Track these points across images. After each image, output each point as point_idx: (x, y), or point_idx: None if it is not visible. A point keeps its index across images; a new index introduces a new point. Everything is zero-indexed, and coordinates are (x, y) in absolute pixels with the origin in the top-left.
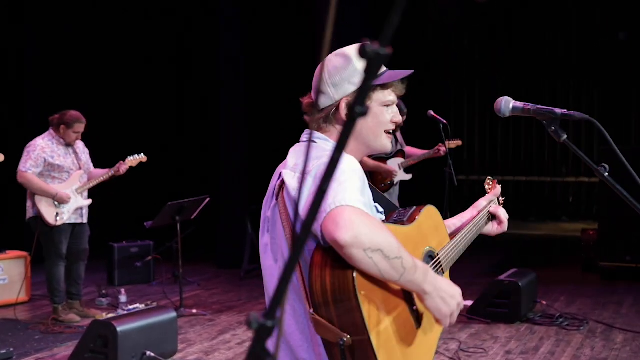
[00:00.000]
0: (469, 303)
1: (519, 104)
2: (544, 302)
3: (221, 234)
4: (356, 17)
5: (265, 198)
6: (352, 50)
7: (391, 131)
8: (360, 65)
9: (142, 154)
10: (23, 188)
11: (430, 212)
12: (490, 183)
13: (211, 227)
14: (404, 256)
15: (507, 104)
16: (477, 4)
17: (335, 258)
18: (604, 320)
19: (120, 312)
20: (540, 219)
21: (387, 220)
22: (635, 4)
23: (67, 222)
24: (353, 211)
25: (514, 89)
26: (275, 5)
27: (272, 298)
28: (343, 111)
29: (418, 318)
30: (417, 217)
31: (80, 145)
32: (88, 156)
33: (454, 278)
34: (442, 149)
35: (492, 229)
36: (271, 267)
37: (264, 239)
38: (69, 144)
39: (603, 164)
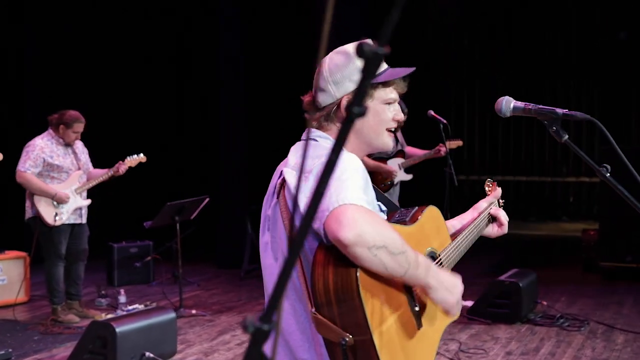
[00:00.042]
0: (470, 303)
1: (520, 104)
2: (545, 303)
3: (221, 234)
4: (356, 17)
5: (266, 196)
6: (353, 47)
7: (393, 129)
8: (361, 62)
9: (142, 154)
10: (22, 188)
11: (432, 213)
12: (490, 185)
13: (211, 227)
14: (407, 251)
15: (507, 104)
16: (477, 4)
17: (338, 257)
18: (605, 321)
19: (119, 312)
20: (541, 219)
21: (389, 220)
22: (636, 4)
23: (66, 222)
24: (356, 209)
25: (514, 89)
26: (275, 5)
27: (268, 301)
28: (344, 109)
29: (419, 318)
30: (419, 218)
31: (79, 145)
32: (87, 156)
33: None
34: (443, 149)
35: (493, 230)
36: (271, 265)
37: (265, 238)
38: (68, 144)
39: (604, 165)
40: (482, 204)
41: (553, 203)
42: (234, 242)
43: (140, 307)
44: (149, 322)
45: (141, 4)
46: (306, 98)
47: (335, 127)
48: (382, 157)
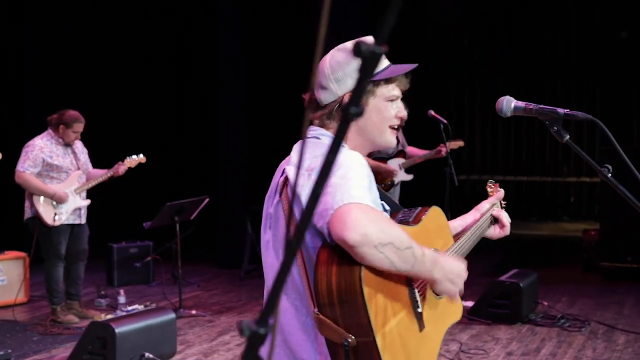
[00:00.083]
0: (470, 304)
1: (521, 104)
2: (545, 303)
3: (221, 234)
4: (356, 17)
5: (268, 194)
6: (354, 45)
7: (396, 126)
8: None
9: (141, 155)
10: (22, 188)
11: (435, 214)
12: (492, 186)
13: (211, 227)
14: (413, 246)
15: (508, 103)
16: (477, 4)
17: (341, 256)
18: (606, 321)
19: (119, 313)
20: (542, 219)
21: (392, 220)
22: (636, 4)
23: (66, 222)
24: (359, 209)
25: (514, 89)
26: (275, 5)
27: (265, 304)
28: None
29: (422, 320)
30: (422, 218)
31: (79, 145)
32: (87, 156)
33: None
34: (443, 149)
35: (495, 232)
36: (272, 264)
37: (266, 236)
38: (67, 144)
39: (606, 165)
40: (485, 205)
41: (554, 203)
42: (234, 242)
43: (140, 307)
44: (149, 323)
45: (141, 4)
46: (308, 96)
47: (337, 125)
48: (383, 157)
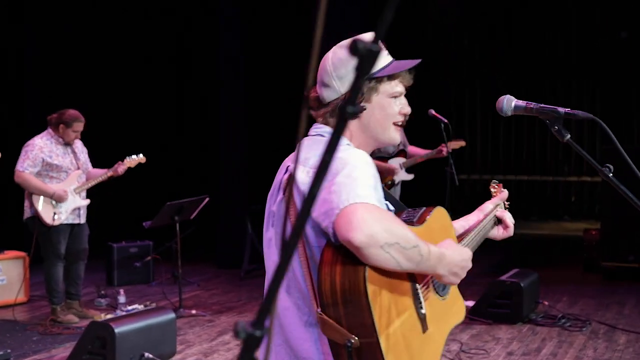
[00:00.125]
0: (471, 304)
1: (521, 103)
2: (546, 303)
3: (221, 234)
4: (356, 17)
5: (270, 192)
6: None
7: (400, 123)
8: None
9: (141, 155)
10: (22, 188)
11: (439, 214)
12: (496, 186)
13: (211, 227)
14: (419, 244)
15: (509, 102)
16: (477, 4)
17: (346, 256)
18: (607, 321)
19: (118, 312)
20: (542, 219)
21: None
22: (636, 4)
23: (65, 222)
24: (365, 209)
25: (514, 89)
26: (275, 5)
27: (261, 306)
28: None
29: (425, 322)
30: (427, 218)
31: (78, 145)
32: (86, 155)
33: None
34: (445, 149)
35: (498, 233)
36: (275, 262)
37: (268, 234)
38: (67, 143)
39: (607, 165)
40: (488, 205)
41: (555, 202)
42: (234, 242)
43: (140, 307)
44: (148, 323)
45: (141, 4)
46: (311, 94)
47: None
48: (383, 156)
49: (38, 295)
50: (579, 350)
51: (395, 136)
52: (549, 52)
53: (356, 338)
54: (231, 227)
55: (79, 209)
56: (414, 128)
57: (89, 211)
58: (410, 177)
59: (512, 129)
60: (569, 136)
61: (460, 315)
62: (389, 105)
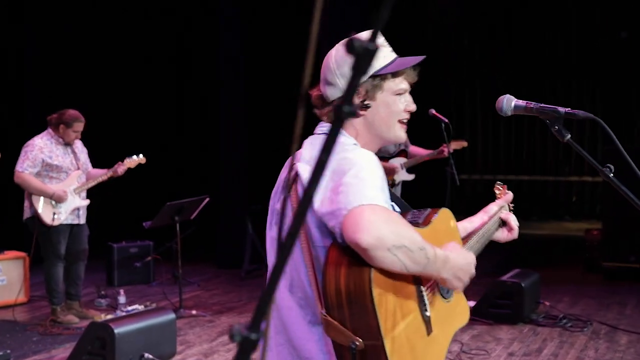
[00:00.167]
0: (472, 304)
1: (521, 103)
2: (547, 303)
3: (221, 234)
4: (356, 17)
5: (274, 190)
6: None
7: (405, 120)
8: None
9: (141, 155)
10: (22, 188)
11: (445, 216)
12: (500, 188)
13: (211, 227)
14: (426, 247)
15: (508, 102)
16: (477, 4)
17: (351, 257)
18: (608, 322)
19: (119, 313)
20: (543, 219)
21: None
22: (636, 3)
23: (65, 222)
24: (373, 211)
25: (514, 89)
26: (275, 5)
27: (256, 309)
28: (354, 102)
29: (430, 324)
30: (432, 220)
31: (78, 145)
32: (86, 156)
33: None
34: (446, 149)
35: (503, 235)
36: None
37: (272, 232)
38: (67, 144)
39: (608, 165)
40: (493, 207)
41: (556, 202)
42: (234, 242)
43: (140, 307)
44: (148, 323)
45: (141, 4)
46: (314, 92)
47: (346, 121)
48: (384, 156)
49: (38, 295)
50: (580, 350)
51: (401, 134)
52: (549, 52)
53: (361, 340)
54: (231, 227)
55: (78, 209)
56: (414, 128)
57: (89, 211)
58: (411, 177)
59: (513, 128)
60: (569, 136)
61: (464, 317)
62: (394, 102)
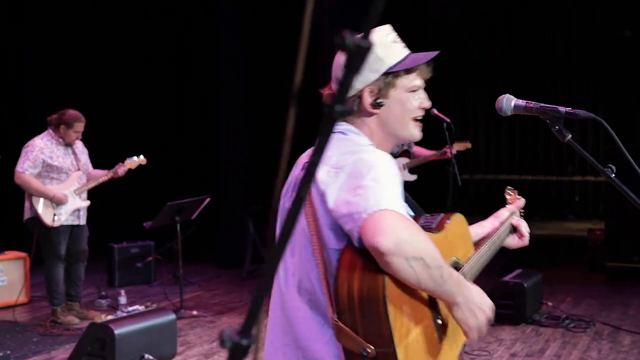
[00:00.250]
0: None
1: (521, 102)
2: (550, 303)
3: (221, 234)
4: (356, 17)
5: (285, 189)
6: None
7: (420, 118)
8: (381, 51)
9: (142, 156)
10: (22, 188)
11: (458, 221)
12: (511, 192)
13: (212, 227)
14: (444, 266)
15: (508, 102)
16: (477, 4)
17: (365, 261)
18: (611, 322)
19: (119, 313)
20: (546, 219)
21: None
22: (636, 3)
23: (65, 223)
24: (395, 216)
25: (514, 89)
26: (275, 5)
27: (247, 314)
28: (366, 101)
29: (441, 332)
30: (445, 225)
31: (79, 145)
32: (87, 156)
33: None
34: (449, 151)
35: (513, 242)
36: (285, 260)
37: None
38: (68, 144)
39: (609, 165)
40: (504, 212)
41: (559, 202)
42: (234, 242)
43: (141, 308)
44: (149, 324)
45: (141, 4)
46: (325, 91)
47: (359, 121)
48: None
49: (39, 296)
50: (583, 351)
51: (415, 132)
52: (549, 52)
53: (372, 347)
54: (231, 227)
55: (79, 210)
56: None
57: (90, 212)
58: (413, 177)
59: (516, 128)
60: (569, 136)
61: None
62: (408, 100)
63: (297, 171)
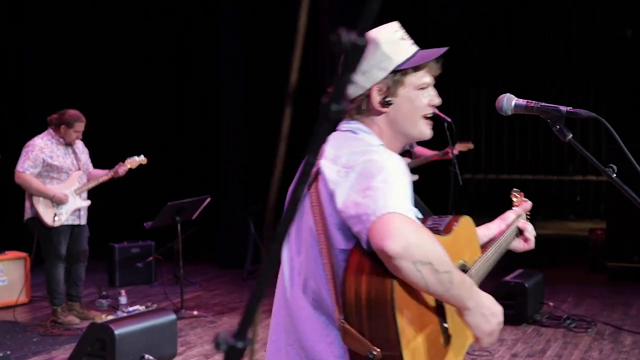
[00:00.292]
0: None
1: (522, 102)
2: (551, 304)
3: (221, 234)
4: (356, 17)
5: (292, 186)
6: (377, 33)
7: (430, 116)
8: (388, 48)
9: (142, 156)
10: (22, 188)
11: (466, 224)
12: (517, 195)
13: (212, 227)
14: (453, 271)
15: (509, 101)
16: (477, 4)
17: (373, 263)
18: (612, 322)
19: (120, 314)
20: (547, 218)
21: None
22: (636, 3)
23: (65, 223)
24: (404, 220)
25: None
26: (275, 5)
27: (243, 316)
28: (375, 100)
29: (447, 335)
30: (453, 228)
31: (79, 145)
32: (87, 156)
33: None
34: (451, 151)
35: (519, 245)
36: (291, 258)
37: None
38: (68, 144)
39: (611, 165)
40: (510, 215)
41: (560, 202)
42: (235, 242)
43: (141, 308)
44: (149, 324)
45: (141, 4)
46: (332, 90)
47: (368, 120)
48: None
49: (39, 296)
50: (584, 351)
51: (426, 130)
52: (549, 52)
53: (378, 350)
54: (231, 227)
55: (79, 210)
56: None
57: (90, 212)
58: (414, 177)
59: (517, 128)
60: (570, 136)
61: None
62: (417, 97)
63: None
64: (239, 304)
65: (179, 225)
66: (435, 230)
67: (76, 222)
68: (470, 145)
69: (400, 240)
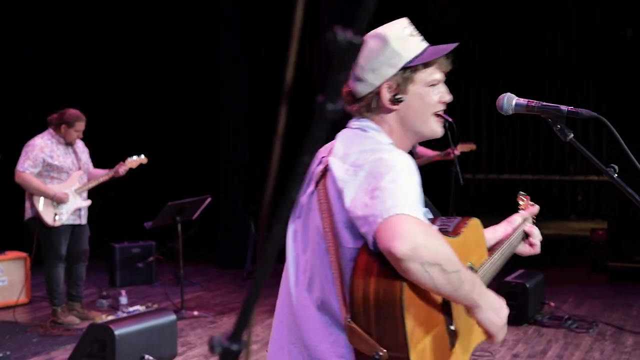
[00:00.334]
0: None
1: (522, 101)
2: (552, 304)
3: (222, 234)
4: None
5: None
6: (386, 30)
7: (441, 113)
8: (397, 45)
9: (142, 156)
10: (22, 188)
11: (474, 226)
12: (524, 198)
13: (212, 227)
14: (461, 270)
15: (509, 100)
16: (477, 4)
17: (382, 264)
18: (614, 322)
19: (120, 314)
20: (548, 218)
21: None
22: (636, 3)
23: (66, 223)
24: (412, 221)
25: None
26: (275, 5)
27: (238, 318)
28: (385, 97)
29: (453, 338)
30: (462, 230)
31: (80, 145)
32: (88, 156)
33: None
34: (452, 152)
35: (524, 249)
36: (297, 256)
37: (294, 226)
38: (69, 144)
39: (612, 165)
40: (517, 218)
41: (561, 202)
42: (235, 242)
43: (142, 308)
44: (149, 325)
45: (141, 4)
46: (344, 88)
47: (379, 118)
48: None
49: (40, 296)
50: (585, 352)
51: (437, 128)
52: (549, 52)
53: (385, 351)
54: (231, 227)
55: (79, 209)
56: None
57: (91, 212)
58: None
59: (517, 127)
60: (571, 135)
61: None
62: (427, 94)
63: (313, 165)
64: (239, 304)
65: (179, 226)
66: (443, 232)
67: (77, 222)
68: (473, 146)
69: (408, 242)
